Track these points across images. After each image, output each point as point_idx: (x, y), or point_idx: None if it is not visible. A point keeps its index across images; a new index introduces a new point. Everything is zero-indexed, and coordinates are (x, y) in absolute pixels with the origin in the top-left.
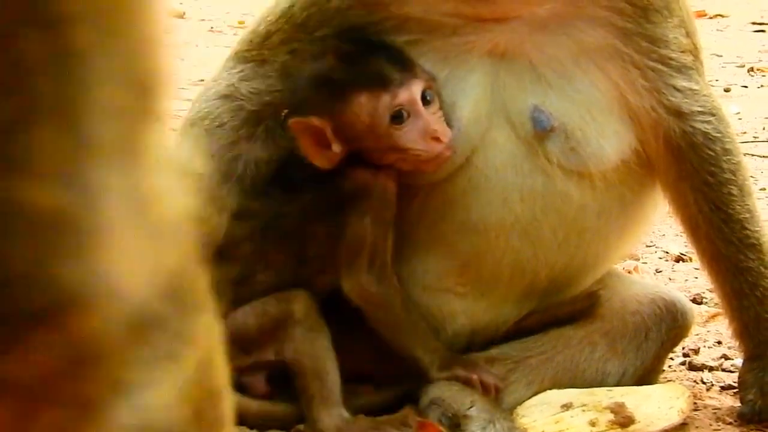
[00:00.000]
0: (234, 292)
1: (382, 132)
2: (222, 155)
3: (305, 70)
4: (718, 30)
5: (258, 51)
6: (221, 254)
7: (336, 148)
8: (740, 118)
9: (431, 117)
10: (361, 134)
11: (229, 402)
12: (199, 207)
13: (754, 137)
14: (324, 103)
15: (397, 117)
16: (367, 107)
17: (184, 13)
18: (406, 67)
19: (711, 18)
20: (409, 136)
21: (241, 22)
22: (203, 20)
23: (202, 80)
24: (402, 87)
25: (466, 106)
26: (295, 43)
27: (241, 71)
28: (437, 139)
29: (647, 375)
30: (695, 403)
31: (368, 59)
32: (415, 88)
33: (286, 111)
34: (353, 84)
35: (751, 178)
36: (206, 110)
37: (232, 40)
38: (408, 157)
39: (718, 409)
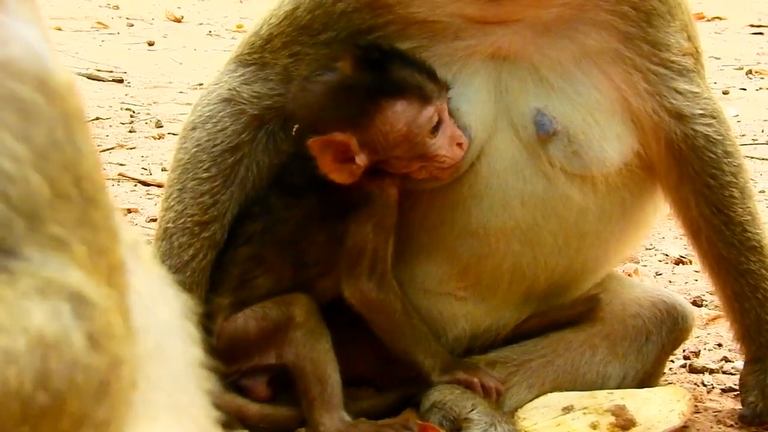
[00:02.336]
0: (233, 296)
1: (417, 141)
2: (224, 159)
3: (317, 82)
4: (716, 33)
5: (260, 54)
6: (221, 258)
7: (360, 160)
8: (739, 121)
9: (453, 125)
10: (394, 143)
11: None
12: None
13: (753, 140)
14: (348, 115)
15: (434, 126)
16: (405, 116)
17: (182, 17)
18: (436, 77)
19: (709, 21)
20: (439, 143)
21: (239, 26)
22: (201, 24)
23: (201, 84)
24: (440, 98)
25: (473, 112)
26: (297, 47)
27: (242, 75)
28: (460, 146)
29: (648, 378)
30: (696, 406)
31: (394, 68)
32: (445, 99)
33: (296, 126)
34: (388, 93)
35: (751, 181)
36: (208, 114)
37: (231, 44)
38: (431, 165)
39: (719, 411)
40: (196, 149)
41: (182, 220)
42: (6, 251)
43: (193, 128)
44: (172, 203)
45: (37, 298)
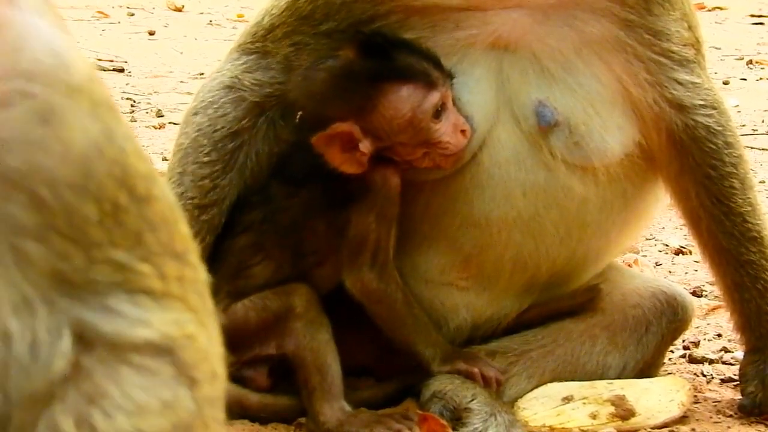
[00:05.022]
0: (231, 285)
1: (422, 126)
2: (224, 145)
3: (320, 70)
4: (716, 23)
5: (262, 43)
6: (218, 247)
7: (364, 146)
8: (739, 111)
9: (457, 112)
10: (398, 129)
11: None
12: None
13: (753, 130)
14: (350, 101)
15: (438, 112)
16: (410, 101)
17: (183, 7)
18: (441, 65)
19: (710, 11)
20: (444, 129)
21: (240, 15)
22: (202, 13)
23: (202, 74)
24: (444, 85)
25: (475, 102)
26: (298, 36)
27: (245, 63)
28: (464, 133)
29: (648, 368)
30: (695, 396)
31: (398, 54)
32: (450, 86)
33: (299, 114)
34: (392, 78)
35: (751, 171)
36: (210, 100)
37: (232, 34)
38: (435, 152)
39: (719, 401)
40: (197, 134)
41: (182, 203)
42: (76, 298)
43: (195, 114)
44: (172, 186)
45: (137, 377)
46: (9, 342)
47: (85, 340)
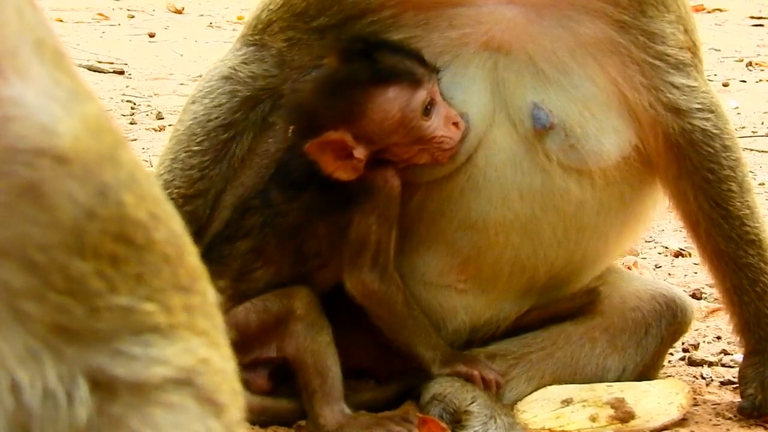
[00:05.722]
0: (232, 289)
1: (413, 125)
2: (217, 135)
3: (307, 81)
4: (716, 24)
5: (260, 36)
6: (219, 251)
7: (359, 153)
8: (739, 113)
9: (447, 106)
10: (390, 130)
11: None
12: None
13: (753, 132)
14: (338, 110)
15: (427, 108)
16: (398, 102)
17: (183, 9)
18: (424, 61)
19: (709, 12)
20: (436, 124)
21: (240, 18)
22: (202, 16)
23: (201, 76)
24: (430, 81)
25: (469, 101)
26: (291, 32)
27: (244, 54)
28: (456, 125)
29: (647, 370)
30: (695, 398)
31: (381, 56)
32: (436, 81)
33: (292, 127)
34: (377, 81)
35: (750, 173)
36: (207, 89)
37: (232, 36)
38: (431, 147)
39: (718, 404)
40: (191, 122)
41: (168, 191)
42: (83, 345)
43: (193, 102)
44: (161, 172)
45: (169, 416)
46: (19, 392)
47: (103, 386)
